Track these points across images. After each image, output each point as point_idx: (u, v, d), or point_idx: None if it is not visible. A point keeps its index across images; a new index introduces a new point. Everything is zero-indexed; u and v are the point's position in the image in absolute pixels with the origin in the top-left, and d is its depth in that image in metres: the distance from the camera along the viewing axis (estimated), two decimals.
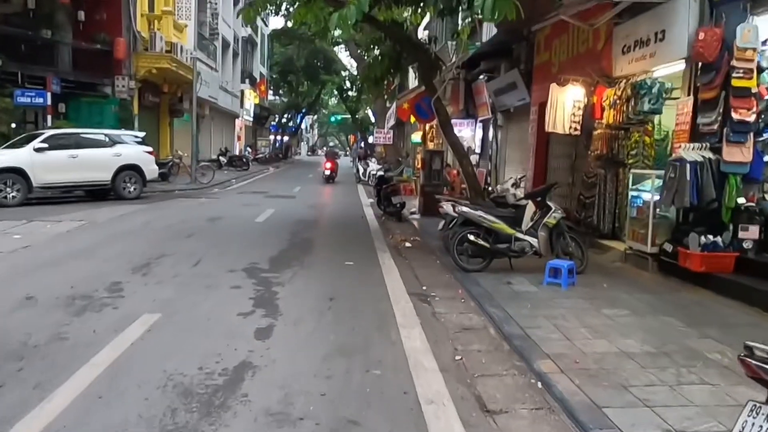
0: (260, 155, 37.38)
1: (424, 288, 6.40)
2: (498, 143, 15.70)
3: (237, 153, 35.40)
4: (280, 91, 50.79)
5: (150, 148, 15.28)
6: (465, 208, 6.98)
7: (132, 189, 14.57)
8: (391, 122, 22.89)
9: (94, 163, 13.76)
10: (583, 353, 4.25)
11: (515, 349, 4.45)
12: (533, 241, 6.91)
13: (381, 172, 13.59)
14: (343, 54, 44.66)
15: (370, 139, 39.84)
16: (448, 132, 9.55)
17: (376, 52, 9.61)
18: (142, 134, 15.60)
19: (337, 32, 39.30)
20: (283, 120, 51.23)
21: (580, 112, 8.75)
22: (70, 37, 17.86)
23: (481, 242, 6.84)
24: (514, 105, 14.03)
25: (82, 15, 17.83)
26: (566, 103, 8.82)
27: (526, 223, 7.14)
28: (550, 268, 6.41)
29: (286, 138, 53.99)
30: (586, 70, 9.06)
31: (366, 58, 24.30)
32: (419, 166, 27.99)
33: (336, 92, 50.38)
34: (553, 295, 5.97)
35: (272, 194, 17.29)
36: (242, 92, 37.19)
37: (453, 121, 19.07)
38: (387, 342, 4.55)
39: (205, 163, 21.64)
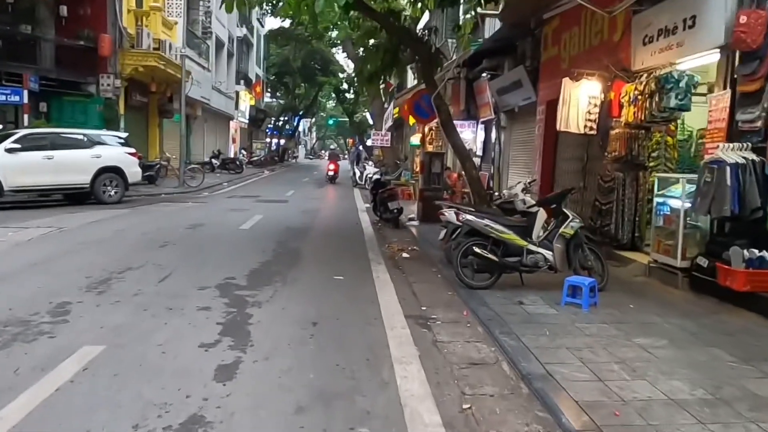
0: (255, 158, 36.51)
1: (424, 308, 5.55)
2: (501, 145, 14.89)
3: (231, 155, 34.55)
4: (278, 93, 50.03)
5: (133, 150, 14.42)
6: (470, 217, 6.13)
7: (113, 193, 13.71)
8: (389, 123, 22.07)
9: (71, 164, 12.91)
10: (622, 400, 3.41)
11: (536, 393, 3.60)
12: (548, 254, 6.07)
13: (377, 176, 12.73)
14: (340, 56, 44.00)
15: (368, 142, 39.08)
16: (449, 132, 8.72)
17: (371, 43, 8.74)
18: (124, 135, 14.75)
19: (335, 33, 38.53)
20: (279, 122, 50.41)
21: (596, 110, 7.92)
22: (52, 33, 17.04)
23: (489, 255, 5.99)
24: (518, 104, 13.25)
25: (64, 10, 16.99)
26: (581, 100, 8.00)
27: (537, 233, 6.29)
28: (569, 285, 5.56)
29: (282, 141, 53.17)
30: (601, 64, 8.24)
31: (361, 53, 23.50)
32: (418, 169, 27.24)
33: (333, 94, 49.59)
34: (574, 318, 5.12)
35: (263, 199, 16.44)
36: (237, 93, 36.36)
37: (454, 122, 18.33)
38: (378, 383, 3.70)
39: (194, 166, 20.80)
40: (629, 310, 5.46)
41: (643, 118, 7.13)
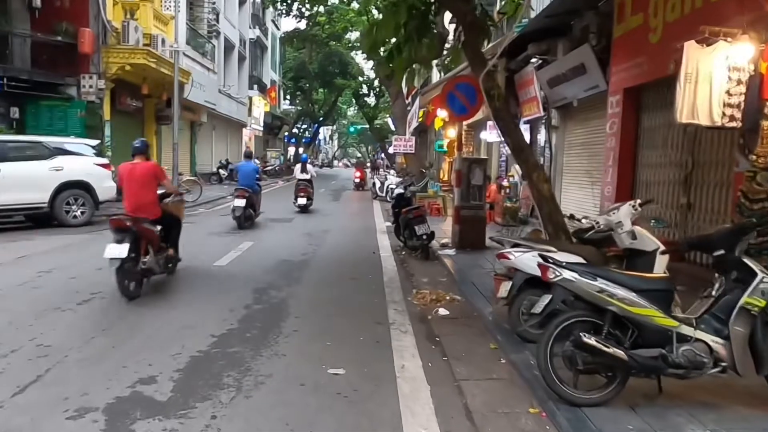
0: (269, 167, 34.08)
1: None
2: (553, 149, 12.10)
3: None
4: (297, 100, 47.78)
5: (105, 160, 11.98)
6: (570, 274, 3.36)
7: (78, 213, 11.25)
8: (414, 124, 19.29)
9: (23, 179, 10.48)
10: None
11: None
12: (717, 343, 3.27)
13: (400, 189, 10.01)
14: (359, 58, 41.61)
15: (390, 149, 36.50)
16: (507, 128, 5.98)
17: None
18: (94, 142, 12.29)
19: (353, 35, 35.87)
20: (295, 130, 48.07)
21: (741, 89, 5.09)
22: (24, 28, 14.80)
23: (608, 349, 3.22)
24: (578, 96, 10.46)
25: (38, 1, 14.68)
26: (715, 75, 5.17)
27: None
28: None
29: (300, 149, 50.82)
30: (728, 24, 5.40)
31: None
32: (445, 177, 24.41)
33: (353, 99, 47.20)
34: None
35: (265, 216, 13.81)
36: (250, 99, 34.06)
37: (489, 124, 15.50)
38: None
39: (190, 178, 18.37)
40: None
41: None
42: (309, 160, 25.97)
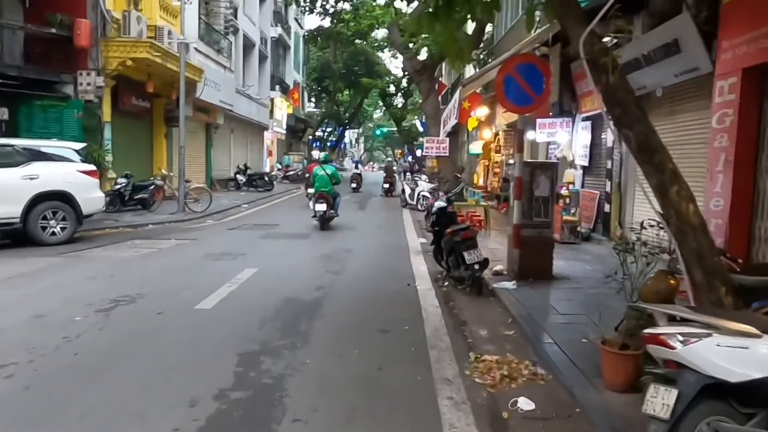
0: (291, 172, 32.35)
1: None
2: (623, 151, 9.95)
3: (267, 170, 30.64)
4: (321, 102, 46.17)
5: (90, 167, 10.25)
6: None
7: (57, 229, 9.53)
8: (452, 122, 17.16)
9: None
10: None
11: None
12: None
13: (442, 202, 7.95)
14: (385, 56, 39.77)
15: (419, 152, 34.36)
16: (630, 117, 3.82)
17: None
18: (79, 145, 10.55)
19: (380, 34, 33.78)
20: (318, 133, 46.36)
21: None
22: (16, 19, 13.29)
23: None
24: (665, 83, 8.36)
25: None
26: None
27: None
28: None
29: (326, 153, 49.15)
30: None
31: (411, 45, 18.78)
32: (479, 182, 22.28)
33: (380, 101, 45.33)
34: None
35: (279, 231, 11.94)
36: (272, 101, 32.42)
37: (538, 122, 13.34)
38: None
39: (199, 185, 16.62)
40: None
41: None
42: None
